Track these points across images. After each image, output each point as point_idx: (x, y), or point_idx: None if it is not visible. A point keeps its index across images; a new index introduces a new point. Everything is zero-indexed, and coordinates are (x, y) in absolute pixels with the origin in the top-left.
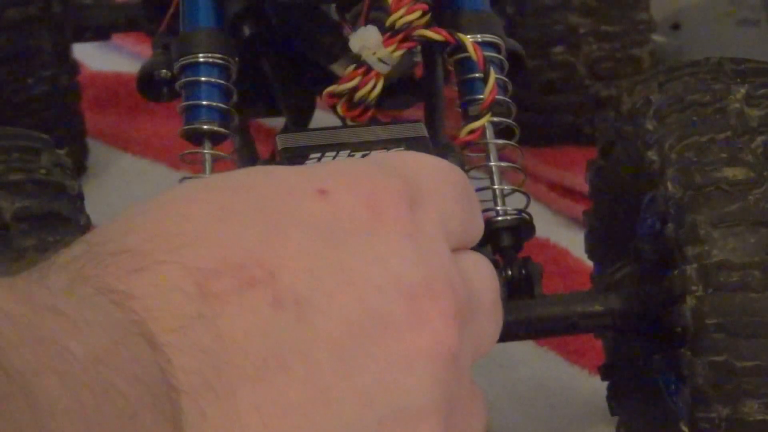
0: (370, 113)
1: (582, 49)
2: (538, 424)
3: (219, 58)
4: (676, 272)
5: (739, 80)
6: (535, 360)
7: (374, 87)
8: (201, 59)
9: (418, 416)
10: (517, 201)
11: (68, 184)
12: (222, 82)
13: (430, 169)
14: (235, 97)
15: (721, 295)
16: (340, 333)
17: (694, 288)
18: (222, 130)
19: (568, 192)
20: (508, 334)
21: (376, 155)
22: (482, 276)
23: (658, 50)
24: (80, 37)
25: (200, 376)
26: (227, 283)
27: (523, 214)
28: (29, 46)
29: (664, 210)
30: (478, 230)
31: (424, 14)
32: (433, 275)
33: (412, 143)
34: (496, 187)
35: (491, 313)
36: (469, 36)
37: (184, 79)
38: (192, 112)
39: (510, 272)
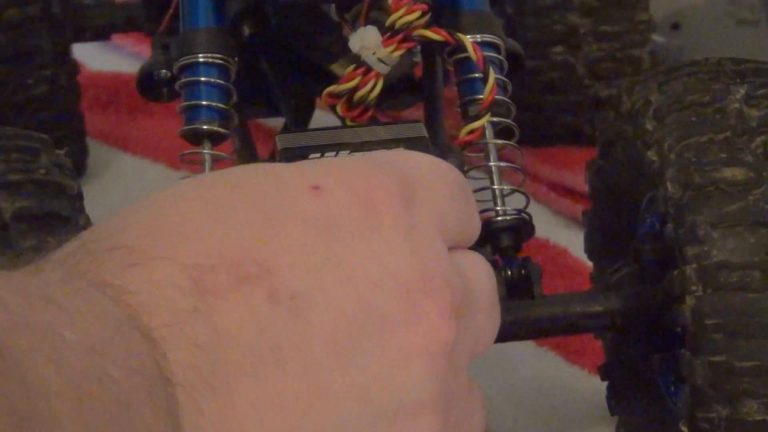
0: (369, 113)
1: (582, 49)
2: (538, 424)
3: (219, 58)
4: (675, 272)
5: (738, 80)
6: (535, 360)
7: (374, 87)
8: (201, 59)
9: (415, 411)
10: (516, 201)
11: (68, 185)
12: (222, 82)
13: (425, 168)
14: (234, 97)
15: (720, 295)
16: (335, 328)
17: (693, 288)
18: (222, 130)
19: (568, 192)
20: (507, 334)
21: (372, 153)
22: (479, 274)
23: (658, 50)
24: (80, 37)
25: (196, 370)
26: (223, 278)
27: (523, 214)
28: (29, 46)
29: (664, 210)
30: (474, 230)
31: (423, 14)
32: (428, 270)
33: (412, 143)
34: (495, 187)
35: (488, 311)
36: (468, 36)
37: (183, 79)
38: (192, 112)
39: (510, 272)
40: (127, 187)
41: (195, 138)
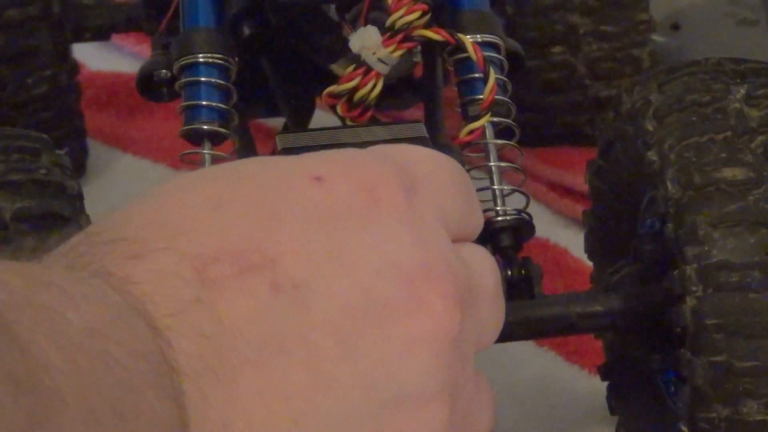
0: (369, 113)
1: (582, 49)
2: (538, 424)
3: (219, 59)
4: (675, 272)
5: (738, 80)
6: (535, 360)
7: (374, 87)
8: (201, 59)
9: (421, 399)
10: (516, 201)
11: (68, 184)
12: (222, 82)
13: (426, 160)
14: (235, 97)
15: (720, 295)
16: (339, 317)
17: (693, 288)
18: (222, 130)
19: (568, 192)
20: (508, 335)
21: (373, 147)
22: (483, 266)
23: (658, 50)
24: (80, 37)
25: (201, 359)
26: (225, 268)
27: (523, 214)
28: (29, 46)
29: (664, 210)
30: (477, 223)
31: (423, 14)
32: (431, 259)
33: (412, 143)
34: (495, 187)
35: (493, 302)
36: (468, 36)
37: (183, 80)
38: (192, 112)
39: (510, 272)
40: (127, 187)
41: (195, 138)
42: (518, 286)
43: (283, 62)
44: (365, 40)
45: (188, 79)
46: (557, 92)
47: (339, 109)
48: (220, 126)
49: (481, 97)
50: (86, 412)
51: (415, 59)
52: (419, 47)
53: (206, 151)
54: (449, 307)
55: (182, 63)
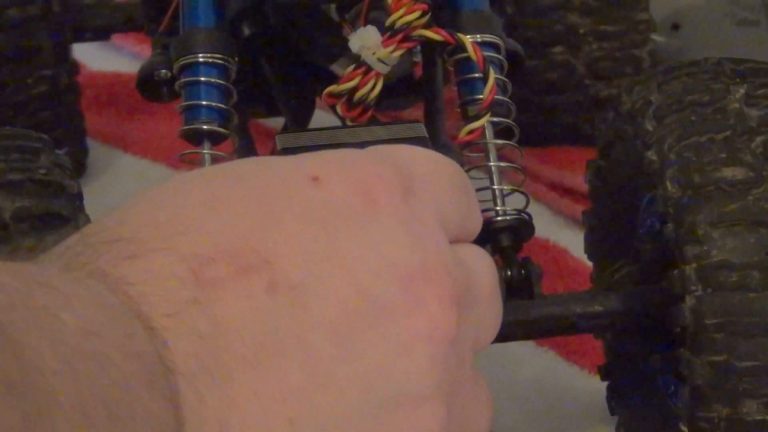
0: (369, 113)
1: (582, 49)
2: (538, 424)
3: (218, 58)
4: (675, 272)
5: (738, 80)
6: (535, 360)
7: (374, 87)
8: (200, 59)
9: (418, 399)
10: (516, 201)
11: (67, 184)
12: (221, 82)
13: (424, 161)
14: (234, 97)
15: (720, 295)
16: (336, 317)
17: (693, 288)
18: (221, 130)
19: (568, 192)
20: (508, 335)
21: (371, 147)
22: (481, 267)
23: (658, 50)
24: (80, 37)
25: (197, 360)
26: (222, 269)
27: (523, 214)
28: (29, 46)
29: (664, 210)
30: (476, 224)
31: (423, 14)
32: (428, 260)
33: (412, 143)
34: (495, 187)
35: (491, 304)
36: (468, 36)
37: (183, 79)
38: (191, 112)
39: (509, 273)
40: (127, 187)
41: (195, 138)
42: (518, 286)
43: (283, 62)
44: (365, 40)
45: (188, 79)
46: (557, 92)
47: (339, 109)
48: (220, 126)
49: (481, 97)
50: (81, 414)
51: (414, 59)
52: (419, 47)
53: (206, 151)
54: (446, 307)
55: (182, 63)
